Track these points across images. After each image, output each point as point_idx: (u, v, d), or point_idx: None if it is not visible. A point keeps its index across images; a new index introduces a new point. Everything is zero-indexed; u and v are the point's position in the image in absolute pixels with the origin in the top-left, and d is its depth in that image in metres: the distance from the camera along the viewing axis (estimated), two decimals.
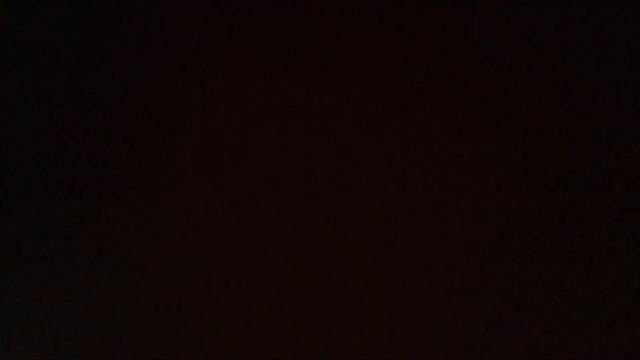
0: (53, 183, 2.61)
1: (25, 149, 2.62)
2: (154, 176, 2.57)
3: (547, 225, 2.35)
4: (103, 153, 2.60)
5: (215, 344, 2.51)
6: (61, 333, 2.58)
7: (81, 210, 2.59)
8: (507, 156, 2.39)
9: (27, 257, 2.60)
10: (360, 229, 2.46)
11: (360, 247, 2.46)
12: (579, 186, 2.35)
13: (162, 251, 2.55)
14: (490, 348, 2.37)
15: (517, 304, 2.36)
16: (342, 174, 2.48)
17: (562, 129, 2.37)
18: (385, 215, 2.45)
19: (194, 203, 2.54)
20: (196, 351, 2.52)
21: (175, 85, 2.58)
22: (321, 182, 2.48)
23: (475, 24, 2.41)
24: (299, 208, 2.50)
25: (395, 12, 2.47)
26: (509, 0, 2.40)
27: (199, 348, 2.52)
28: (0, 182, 2.62)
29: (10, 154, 2.62)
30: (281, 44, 2.53)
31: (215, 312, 2.52)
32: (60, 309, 2.59)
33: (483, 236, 2.39)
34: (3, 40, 2.65)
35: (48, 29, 2.64)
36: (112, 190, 2.58)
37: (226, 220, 2.53)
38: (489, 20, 2.41)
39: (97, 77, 2.62)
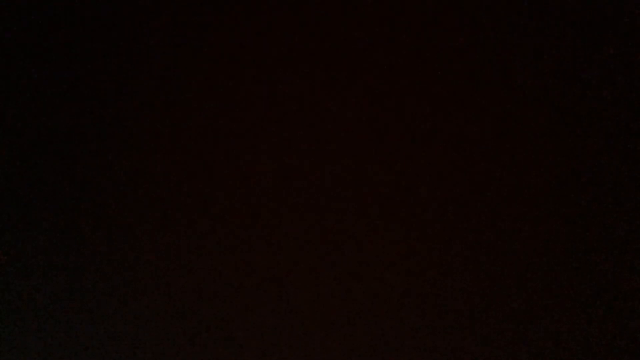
0: (52, 182, 2.61)
1: (26, 148, 2.63)
2: (154, 176, 2.58)
3: (549, 227, 2.36)
4: (103, 152, 2.60)
5: (216, 344, 2.52)
6: (61, 333, 2.58)
7: (81, 211, 2.60)
8: (507, 156, 2.40)
9: (27, 256, 2.60)
10: (360, 229, 2.47)
11: (360, 247, 2.46)
12: (583, 185, 2.36)
13: (161, 250, 2.55)
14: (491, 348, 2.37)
15: (517, 306, 2.37)
16: (341, 174, 2.49)
17: (563, 128, 2.38)
18: (385, 215, 2.45)
19: (195, 202, 2.55)
20: (197, 351, 2.52)
21: (174, 85, 2.58)
22: (321, 182, 2.49)
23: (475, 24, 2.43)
24: (298, 208, 2.50)
25: (395, 12, 2.48)
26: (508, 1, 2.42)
27: (200, 348, 2.53)
28: (1, 182, 2.63)
29: (10, 154, 2.63)
30: (281, 44, 2.54)
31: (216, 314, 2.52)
32: (60, 307, 2.59)
33: (483, 237, 2.40)
34: (3, 40, 2.65)
35: (48, 29, 2.64)
36: (112, 190, 2.59)
37: (227, 220, 2.53)
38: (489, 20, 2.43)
39: (97, 77, 2.63)
